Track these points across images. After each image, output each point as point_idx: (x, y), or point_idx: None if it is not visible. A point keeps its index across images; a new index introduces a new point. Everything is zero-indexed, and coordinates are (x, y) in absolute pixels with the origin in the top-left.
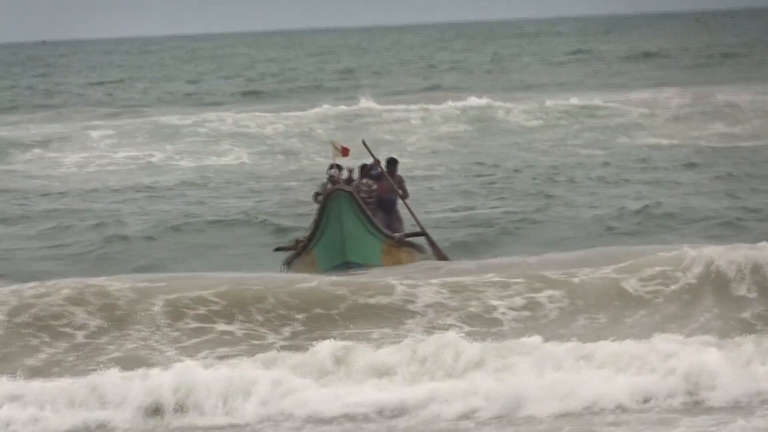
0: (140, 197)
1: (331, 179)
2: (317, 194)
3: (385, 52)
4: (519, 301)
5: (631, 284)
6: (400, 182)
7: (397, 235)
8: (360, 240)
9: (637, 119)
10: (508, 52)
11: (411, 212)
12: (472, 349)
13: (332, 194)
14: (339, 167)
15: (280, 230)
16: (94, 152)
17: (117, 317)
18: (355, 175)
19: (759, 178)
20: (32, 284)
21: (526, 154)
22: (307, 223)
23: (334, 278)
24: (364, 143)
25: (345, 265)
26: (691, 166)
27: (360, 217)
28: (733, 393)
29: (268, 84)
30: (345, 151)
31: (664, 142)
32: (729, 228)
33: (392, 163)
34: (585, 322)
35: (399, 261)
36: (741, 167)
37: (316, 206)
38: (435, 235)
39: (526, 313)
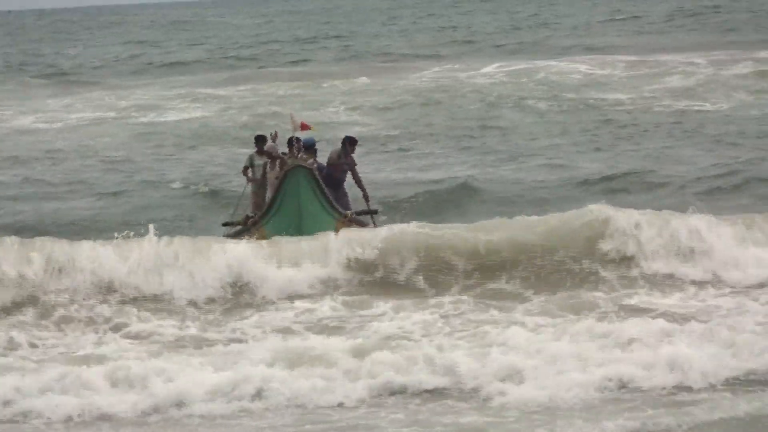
0: (89, 159)
1: (268, 153)
2: (246, 168)
3: (377, 15)
4: None
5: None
6: (353, 163)
7: (348, 213)
8: (316, 217)
9: (588, 78)
10: (474, 20)
11: (365, 195)
12: None
13: (291, 170)
14: (298, 140)
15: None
16: (47, 114)
17: None
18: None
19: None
20: None
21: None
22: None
23: None
24: (291, 116)
25: None
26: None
27: (317, 194)
28: None
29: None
30: (303, 126)
31: (610, 97)
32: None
33: (350, 142)
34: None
35: None
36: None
37: (244, 180)
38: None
39: None
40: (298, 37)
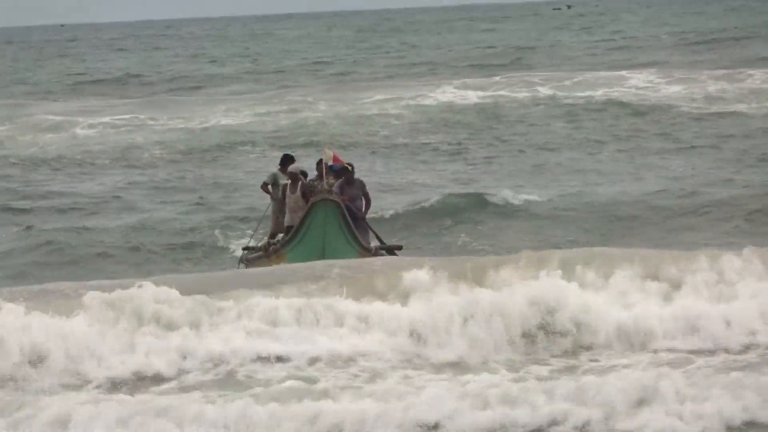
0: (124, 168)
1: (291, 175)
2: (266, 184)
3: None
4: None
5: None
6: (362, 187)
7: (372, 248)
8: (338, 250)
9: (633, 91)
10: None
11: (372, 230)
12: None
13: (319, 202)
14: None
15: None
16: (89, 121)
17: None
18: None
19: None
20: None
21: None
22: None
23: None
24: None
25: None
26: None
27: (342, 228)
28: None
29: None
30: (336, 160)
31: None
32: None
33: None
34: None
35: None
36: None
37: (267, 198)
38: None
39: None
40: (346, 50)
